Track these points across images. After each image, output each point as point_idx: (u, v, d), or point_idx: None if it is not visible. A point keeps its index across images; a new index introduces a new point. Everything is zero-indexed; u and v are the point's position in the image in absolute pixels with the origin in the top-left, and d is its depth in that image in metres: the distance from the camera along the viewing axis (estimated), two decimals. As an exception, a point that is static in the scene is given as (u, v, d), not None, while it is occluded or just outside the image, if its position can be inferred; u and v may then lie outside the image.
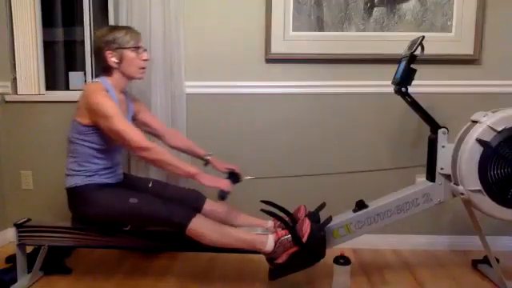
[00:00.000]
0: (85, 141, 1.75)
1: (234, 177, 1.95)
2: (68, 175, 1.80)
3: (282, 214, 1.86)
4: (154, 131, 2.01)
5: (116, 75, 1.79)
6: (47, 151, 2.43)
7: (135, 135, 1.66)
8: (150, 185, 1.96)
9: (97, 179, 1.78)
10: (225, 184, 1.73)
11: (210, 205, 1.95)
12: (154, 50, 2.20)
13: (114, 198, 1.75)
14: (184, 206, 1.76)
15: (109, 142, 1.77)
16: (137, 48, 1.78)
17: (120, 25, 1.83)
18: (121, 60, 1.76)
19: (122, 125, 1.66)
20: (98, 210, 1.74)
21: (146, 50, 1.83)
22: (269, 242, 1.70)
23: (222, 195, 1.71)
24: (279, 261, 1.69)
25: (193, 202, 1.90)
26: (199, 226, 1.68)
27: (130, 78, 1.82)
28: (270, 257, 1.72)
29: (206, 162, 2.01)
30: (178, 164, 1.70)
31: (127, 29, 1.80)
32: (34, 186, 2.46)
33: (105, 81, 1.77)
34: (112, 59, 1.75)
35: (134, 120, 1.96)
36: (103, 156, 1.79)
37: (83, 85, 1.76)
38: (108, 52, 1.74)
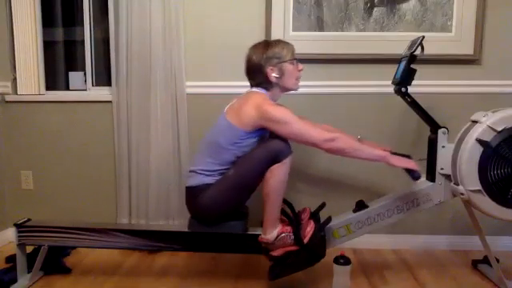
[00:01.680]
0: (237, 146, 1.73)
1: (404, 157, 1.90)
2: (196, 173, 1.77)
3: (289, 211, 1.85)
4: None
5: (274, 89, 1.81)
6: (47, 151, 2.44)
7: (315, 132, 1.70)
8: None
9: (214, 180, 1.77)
10: (413, 164, 1.74)
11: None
12: (155, 50, 2.20)
13: (216, 184, 1.74)
14: (282, 142, 1.71)
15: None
16: (293, 60, 1.80)
17: (272, 39, 1.86)
18: (281, 74, 1.78)
19: (302, 127, 1.70)
20: (213, 203, 1.73)
21: (299, 63, 1.84)
22: (273, 232, 1.71)
23: (416, 175, 1.72)
24: (274, 253, 1.70)
25: (287, 144, 1.81)
26: (286, 166, 1.67)
27: (287, 90, 1.84)
28: (267, 246, 1.72)
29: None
30: (365, 149, 1.73)
31: (282, 42, 1.81)
32: (34, 186, 2.46)
33: (265, 92, 1.79)
34: (273, 74, 1.76)
35: None
36: (237, 159, 1.77)
37: (250, 92, 1.80)
38: (270, 68, 1.76)
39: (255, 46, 1.81)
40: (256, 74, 1.79)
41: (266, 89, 1.80)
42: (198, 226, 1.81)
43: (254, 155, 1.71)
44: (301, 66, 1.84)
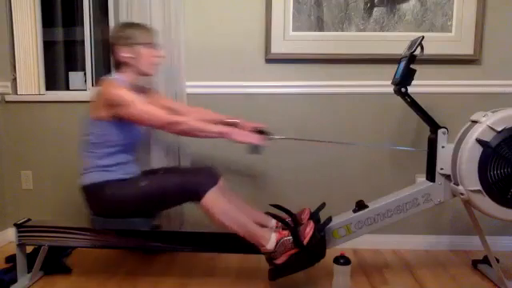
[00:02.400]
0: (102, 136, 1.74)
1: (262, 134, 1.93)
2: (85, 173, 1.78)
3: (284, 215, 1.86)
4: (176, 113, 1.98)
5: (129, 71, 1.80)
6: (47, 151, 2.44)
7: (158, 113, 1.69)
8: (162, 172, 1.94)
9: (113, 175, 1.76)
10: (257, 138, 1.74)
11: (223, 184, 1.92)
12: (154, 50, 2.20)
13: (124, 187, 1.75)
14: (200, 176, 1.74)
15: (126, 137, 1.77)
16: (150, 44, 1.80)
17: (134, 22, 1.86)
18: (134, 56, 1.77)
19: (143, 107, 1.69)
20: (114, 203, 1.74)
21: (159, 47, 1.84)
22: (271, 241, 1.70)
23: (255, 149, 1.73)
24: (278, 261, 1.69)
25: (209, 176, 1.84)
26: (213, 201, 1.67)
27: (142, 74, 1.83)
28: (270, 256, 1.72)
29: (235, 126, 1.99)
30: (208, 128, 1.72)
31: (142, 26, 1.82)
32: (34, 185, 2.46)
33: (118, 77, 1.79)
34: (123, 54, 1.77)
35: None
36: (119, 151, 1.78)
37: (100, 82, 1.77)
38: (122, 47, 1.76)
39: (116, 25, 1.84)
40: (112, 53, 1.81)
41: (121, 70, 1.81)
42: (100, 222, 1.82)
43: (169, 183, 1.72)
44: (160, 52, 1.84)
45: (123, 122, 1.72)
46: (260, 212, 1.93)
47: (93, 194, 1.77)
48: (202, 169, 1.87)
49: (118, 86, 1.71)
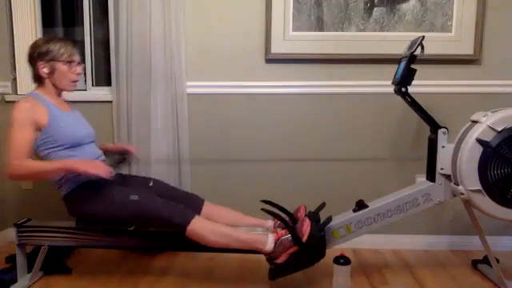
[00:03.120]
0: (49, 148, 1.74)
1: (120, 157, 1.98)
2: (59, 187, 1.80)
3: (281, 214, 1.86)
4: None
5: (47, 85, 1.81)
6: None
7: (16, 151, 1.63)
8: (151, 184, 1.97)
9: (84, 177, 1.76)
10: (100, 169, 1.64)
11: (208, 207, 1.96)
12: (155, 51, 2.20)
13: (114, 194, 1.76)
14: (184, 207, 1.77)
15: (65, 139, 1.76)
16: (70, 62, 1.79)
17: (57, 36, 1.86)
18: (52, 72, 1.77)
19: (14, 137, 1.65)
20: (98, 208, 1.75)
21: (80, 64, 1.84)
22: (269, 242, 1.70)
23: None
24: (279, 261, 1.69)
25: (192, 204, 1.91)
26: (199, 227, 1.69)
27: (60, 89, 1.84)
28: (270, 257, 1.72)
29: (122, 153, 2.05)
30: (44, 167, 1.66)
31: (63, 41, 1.80)
32: (34, 185, 2.46)
33: (34, 93, 1.79)
34: (43, 70, 1.77)
35: None
36: (74, 153, 1.78)
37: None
38: (40, 63, 1.76)
39: (36, 40, 1.83)
40: (30, 65, 1.80)
41: (39, 84, 1.81)
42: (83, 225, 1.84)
43: (155, 212, 1.72)
44: (79, 69, 1.83)
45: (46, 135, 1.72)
46: (251, 217, 1.95)
47: (73, 202, 1.79)
48: (187, 196, 1.93)
49: (21, 105, 1.70)
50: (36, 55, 1.76)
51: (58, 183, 1.80)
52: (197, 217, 1.72)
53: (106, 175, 1.65)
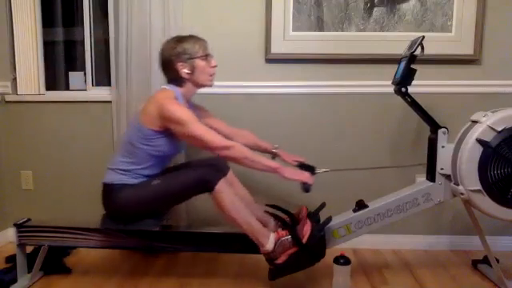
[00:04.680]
0: (148, 145, 1.75)
1: (308, 169, 1.92)
2: (113, 171, 1.79)
3: (282, 215, 1.86)
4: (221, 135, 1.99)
5: (187, 85, 1.80)
6: (47, 151, 2.43)
7: (213, 137, 1.69)
8: (172, 168, 1.96)
9: (132, 181, 1.78)
10: (307, 177, 1.74)
11: (232, 176, 1.94)
12: (155, 51, 2.19)
13: (137, 188, 1.76)
14: (211, 168, 1.75)
15: (170, 149, 1.79)
16: (206, 56, 1.80)
17: (185, 35, 1.84)
18: (192, 70, 1.77)
19: (199, 129, 1.68)
20: (127, 206, 1.75)
21: (212, 56, 1.84)
22: (270, 241, 1.70)
23: (306, 188, 1.72)
24: (278, 261, 1.69)
25: (219, 167, 1.87)
26: (225, 191, 1.68)
27: (200, 86, 1.83)
28: (270, 257, 1.72)
29: (274, 155, 2.02)
30: (259, 159, 1.72)
31: (195, 38, 1.81)
32: (34, 185, 2.46)
33: (175, 89, 1.79)
34: (184, 70, 1.76)
35: None
36: (157, 162, 1.80)
37: (156, 91, 1.82)
38: (180, 64, 1.75)
39: (167, 41, 1.81)
40: (167, 69, 1.80)
41: (179, 85, 1.80)
42: (110, 224, 1.83)
43: (182, 178, 1.73)
44: (214, 62, 1.83)
45: (173, 135, 1.74)
46: (260, 206, 1.94)
47: (108, 193, 1.78)
48: (211, 160, 1.89)
49: (177, 102, 1.72)
50: (174, 57, 1.75)
51: (116, 168, 1.78)
52: (224, 179, 1.71)
53: (311, 181, 1.73)
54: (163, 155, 1.80)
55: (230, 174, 1.93)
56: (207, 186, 1.68)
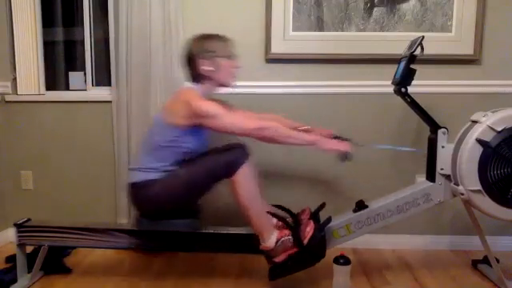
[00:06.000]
0: (175, 145, 1.74)
1: (344, 140, 1.93)
2: (138, 171, 1.77)
3: (284, 214, 1.85)
4: None
5: (208, 83, 1.80)
6: (47, 151, 2.43)
7: (245, 122, 1.70)
8: (195, 157, 1.91)
9: (159, 176, 1.75)
10: (345, 145, 1.77)
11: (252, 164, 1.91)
12: (154, 50, 2.20)
13: (166, 180, 1.73)
14: (234, 152, 1.72)
15: (196, 145, 1.77)
16: (230, 56, 1.80)
17: (211, 33, 1.84)
18: (216, 68, 1.77)
19: (231, 119, 1.70)
20: (160, 200, 1.73)
21: (235, 57, 1.84)
22: (271, 238, 1.70)
23: (346, 157, 1.76)
24: (277, 259, 1.70)
25: (242, 152, 1.80)
26: (246, 175, 1.67)
27: (221, 85, 1.83)
28: (269, 254, 1.72)
29: (307, 132, 1.99)
30: (296, 135, 1.74)
31: (220, 37, 1.82)
32: (34, 185, 2.46)
33: (197, 86, 1.79)
34: (205, 67, 1.76)
35: None
36: (183, 159, 1.77)
37: (180, 88, 1.83)
38: (202, 60, 1.75)
39: (193, 38, 1.81)
40: (189, 65, 1.80)
41: (199, 82, 1.80)
42: (147, 224, 1.83)
43: (206, 162, 1.72)
44: (237, 63, 1.84)
45: (200, 130, 1.73)
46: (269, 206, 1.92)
47: (142, 191, 1.76)
48: (234, 145, 1.84)
49: (201, 97, 1.71)
50: (199, 53, 1.75)
51: (144, 167, 1.76)
52: (247, 164, 1.69)
53: (350, 149, 1.76)
54: (190, 152, 1.78)
55: (251, 161, 1.90)
56: (229, 171, 1.67)
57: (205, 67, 1.76)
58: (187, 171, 1.73)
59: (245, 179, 1.67)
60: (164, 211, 1.80)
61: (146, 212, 1.82)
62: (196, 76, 1.80)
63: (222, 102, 1.98)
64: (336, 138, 1.93)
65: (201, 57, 1.75)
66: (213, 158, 1.72)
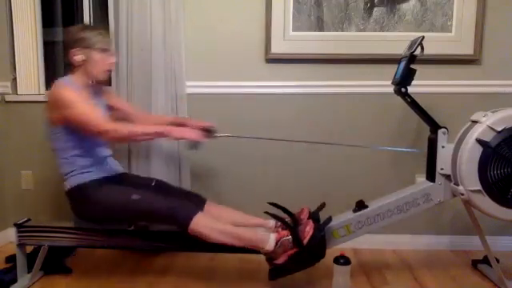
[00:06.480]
0: (62, 140, 1.76)
1: (207, 132, 1.94)
2: (65, 179, 1.81)
3: (283, 215, 1.85)
4: (126, 116, 2.01)
5: (79, 73, 1.81)
6: (47, 151, 2.40)
7: (96, 119, 1.68)
8: (153, 183, 1.97)
9: (92, 175, 1.78)
10: (195, 134, 1.77)
11: (210, 207, 1.95)
12: (155, 50, 2.20)
13: (116, 194, 1.76)
14: (186, 203, 1.76)
15: (82, 139, 1.77)
16: (104, 50, 1.80)
17: (91, 25, 1.85)
18: (88, 60, 1.78)
19: (83, 108, 1.68)
20: (100, 207, 1.75)
21: (113, 55, 1.86)
22: (270, 241, 1.70)
23: (193, 145, 1.78)
24: (278, 261, 1.69)
25: (194, 203, 1.90)
26: (201, 225, 1.68)
27: (92, 78, 1.83)
28: (270, 256, 1.72)
29: (184, 125, 2.00)
30: (144, 130, 1.75)
31: (98, 30, 1.82)
32: (34, 185, 2.46)
33: (68, 78, 1.80)
34: (79, 58, 1.77)
35: (112, 111, 1.98)
36: (87, 152, 1.79)
37: (53, 84, 1.82)
38: (76, 50, 1.76)
39: (72, 27, 1.82)
40: (65, 52, 1.81)
41: (71, 71, 1.81)
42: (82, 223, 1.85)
43: (157, 209, 1.72)
44: (112, 59, 1.84)
45: (73, 125, 1.72)
46: (253, 217, 1.94)
47: (79, 195, 1.79)
48: (190, 195, 1.93)
49: (65, 86, 1.72)
50: (72, 43, 1.76)
51: (66, 175, 1.80)
52: (199, 213, 1.71)
53: (200, 138, 1.77)
54: (82, 145, 1.78)
55: (208, 206, 1.94)
56: (181, 226, 1.69)
57: (76, 57, 1.76)
58: (139, 202, 1.73)
59: (201, 226, 1.68)
60: (102, 218, 1.81)
61: (83, 215, 1.84)
62: (69, 64, 1.81)
63: (100, 88, 1.96)
64: (202, 129, 1.93)
65: (74, 46, 1.76)
66: (166, 206, 1.71)
